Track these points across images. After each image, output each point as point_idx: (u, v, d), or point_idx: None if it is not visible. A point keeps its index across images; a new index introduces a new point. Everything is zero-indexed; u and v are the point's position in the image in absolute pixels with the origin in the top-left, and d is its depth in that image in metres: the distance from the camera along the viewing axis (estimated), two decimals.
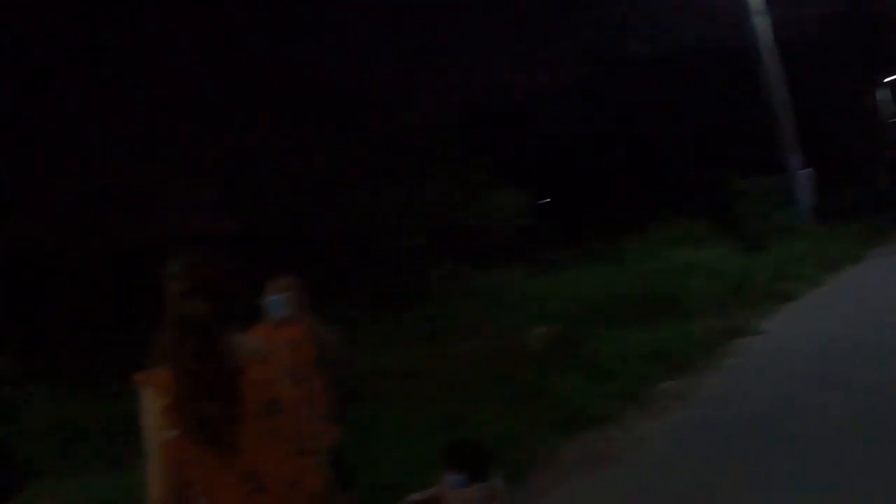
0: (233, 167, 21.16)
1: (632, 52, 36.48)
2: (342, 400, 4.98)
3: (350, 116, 17.99)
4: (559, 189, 28.52)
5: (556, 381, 8.23)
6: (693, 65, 33.15)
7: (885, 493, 4.97)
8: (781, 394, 7.79)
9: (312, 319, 4.95)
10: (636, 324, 10.89)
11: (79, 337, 13.92)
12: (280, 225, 17.92)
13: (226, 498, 2.20)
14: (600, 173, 30.70)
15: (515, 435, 6.89)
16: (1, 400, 10.44)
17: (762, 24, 21.47)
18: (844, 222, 23.24)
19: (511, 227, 16.65)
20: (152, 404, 2.21)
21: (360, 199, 16.39)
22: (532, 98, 35.34)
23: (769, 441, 6.37)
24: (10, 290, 15.23)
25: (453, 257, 15.23)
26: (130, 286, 15.57)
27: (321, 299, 13.78)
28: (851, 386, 7.62)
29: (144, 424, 2.24)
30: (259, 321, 4.78)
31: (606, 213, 24.93)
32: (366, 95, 18.23)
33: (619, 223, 19.70)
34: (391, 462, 6.46)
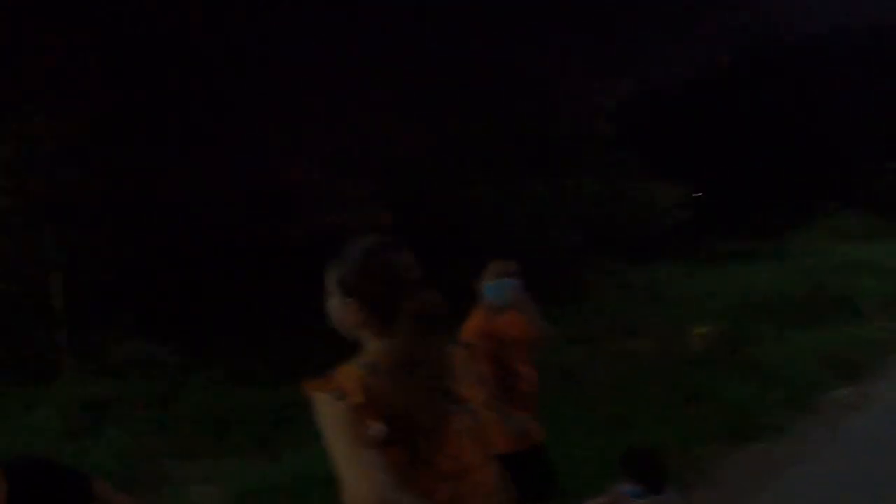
0: (389, 160, 21.46)
1: (787, 36, 35.09)
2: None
3: (505, 108, 17.89)
4: (715, 181, 27.75)
5: (719, 385, 7.99)
6: (852, 45, 31.67)
7: None
8: None
9: (533, 309, 4.72)
10: (803, 325, 10.49)
11: (238, 328, 14.46)
12: (434, 219, 18.07)
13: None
14: (758, 164, 29.67)
15: (677, 441, 6.70)
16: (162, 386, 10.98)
17: None
18: None
19: (667, 222, 16.25)
20: (334, 407, 2.03)
21: (514, 192, 16.31)
22: (685, 88, 34.46)
23: None
24: (175, 282, 15.95)
25: (609, 253, 15.03)
26: (289, 280, 16.03)
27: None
28: None
29: (330, 430, 2.03)
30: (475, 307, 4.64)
31: (766, 207, 24.11)
32: (521, 86, 18.07)
33: (780, 217, 19.04)
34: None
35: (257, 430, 8.75)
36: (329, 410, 2.03)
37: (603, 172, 16.51)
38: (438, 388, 2.11)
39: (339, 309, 2.18)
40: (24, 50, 12.10)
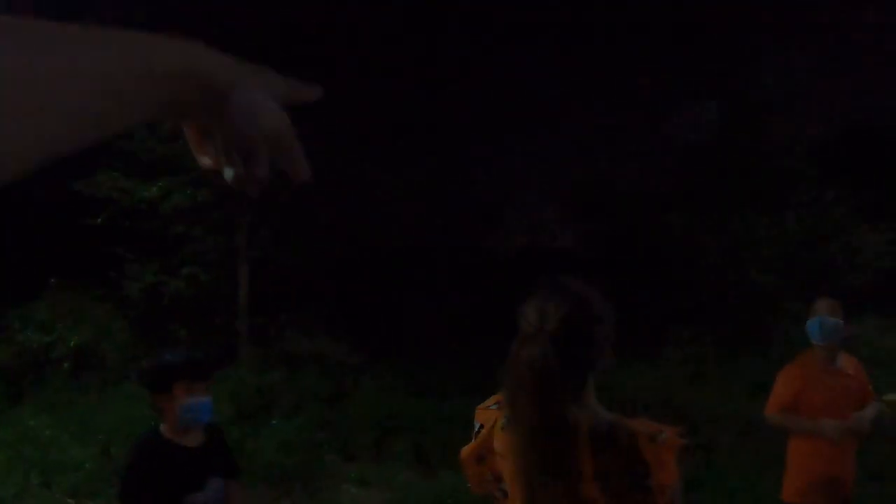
0: (580, 182, 21.27)
1: None
2: None
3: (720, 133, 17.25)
4: None
5: None
6: None
7: None
8: None
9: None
10: None
11: (421, 338, 14.59)
12: (624, 245, 17.66)
13: None
14: None
15: None
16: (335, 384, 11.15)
17: None
18: None
19: (874, 270, 15.12)
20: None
21: (712, 225, 15.68)
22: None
23: None
24: (364, 286, 16.26)
25: (808, 299, 14.10)
26: (479, 296, 16.12)
27: (663, 330, 13.34)
28: None
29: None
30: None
31: None
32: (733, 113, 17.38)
33: None
34: None
35: (418, 439, 8.73)
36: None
37: (807, 212, 15.58)
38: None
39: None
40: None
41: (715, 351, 12.23)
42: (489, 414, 2.08)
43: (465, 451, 2.09)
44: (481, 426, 2.07)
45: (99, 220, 12.16)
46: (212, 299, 13.00)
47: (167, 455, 2.88)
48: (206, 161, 0.69)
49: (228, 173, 0.68)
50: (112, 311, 12.57)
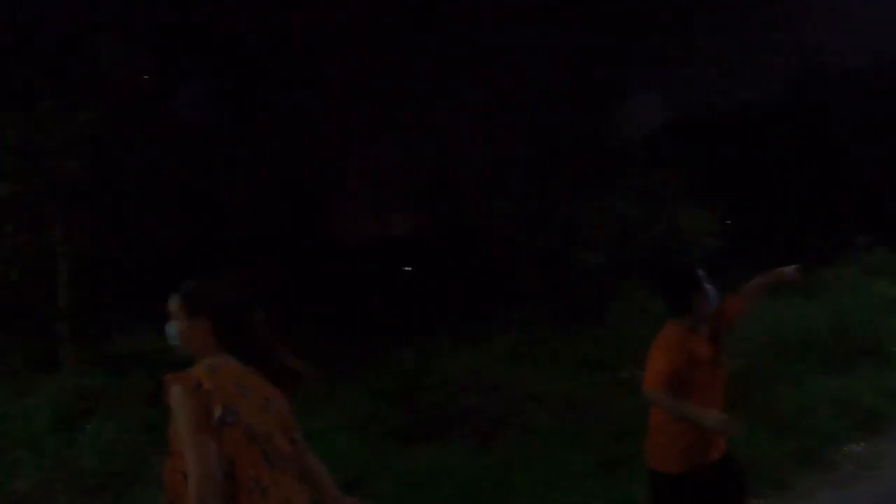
0: (421, 169, 21.30)
1: (829, 68, 34.42)
2: None
3: (551, 121, 17.54)
4: (748, 212, 27.11)
5: None
6: (892, 79, 30.94)
7: None
8: None
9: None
10: (827, 368, 9.90)
11: None
12: (454, 230, 17.77)
13: None
14: (793, 196, 29.03)
15: None
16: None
17: None
18: None
19: (698, 249, 15.67)
20: (187, 397, 2.60)
21: (544, 209, 15.91)
22: (725, 115, 33.95)
23: None
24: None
25: (634, 278, 14.50)
26: (307, 284, 15.88)
27: (491, 309, 13.44)
28: None
29: (182, 415, 2.60)
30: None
31: (799, 239, 23.44)
32: (570, 101, 17.75)
33: (813, 251, 18.37)
34: None
35: None
36: (183, 399, 2.58)
37: (634, 195, 16.02)
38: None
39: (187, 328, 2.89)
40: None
41: (543, 331, 12.38)
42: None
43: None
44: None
45: None
46: (27, 300, 12.26)
47: None
48: None
49: None
50: None
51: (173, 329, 2.98)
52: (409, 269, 20.50)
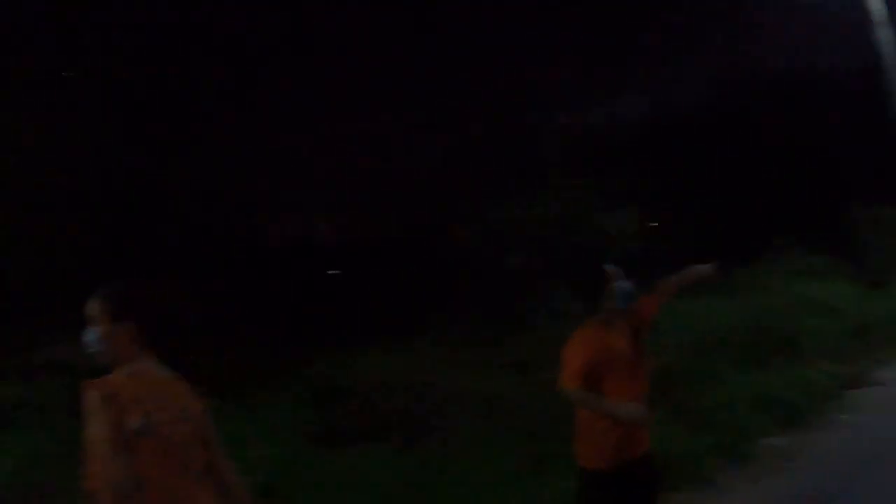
0: (344, 172, 21.13)
1: (755, 73, 35.26)
2: None
3: (479, 124, 17.58)
4: (673, 214, 27.59)
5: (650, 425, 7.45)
6: (816, 87, 31.80)
7: None
8: None
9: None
10: (744, 365, 10.08)
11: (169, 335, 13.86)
12: (385, 235, 17.70)
13: None
14: (715, 198, 29.63)
15: None
16: None
17: (886, 37, 19.98)
18: None
19: (622, 251, 15.87)
20: (99, 402, 2.52)
21: (474, 212, 15.95)
22: (650, 119, 34.53)
23: None
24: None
25: (558, 279, 14.59)
26: (232, 289, 15.65)
27: (418, 313, 13.35)
28: None
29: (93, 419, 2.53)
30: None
31: (721, 242, 23.92)
32: (498, 105, 17.81)
33: (735, 252, 18.77)
34: None
35: None
36: (98, 407, 2.50)
37: (560, 199, 16.15)
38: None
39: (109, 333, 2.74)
40: None
41: (469, 333, 12.37)
42: None
43: None
44: None
45: None
46: None
47: None
48: None
49: None
50: None
51: (93, 335, 2.82)
52: (336, 272, 20.31)
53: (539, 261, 14.90)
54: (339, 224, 21.06)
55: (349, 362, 10.17)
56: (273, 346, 12.37)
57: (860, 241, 20.27)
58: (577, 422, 4.44)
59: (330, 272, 20.83)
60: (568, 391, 4.26)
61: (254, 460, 5.85)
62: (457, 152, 17.16)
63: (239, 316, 13.95)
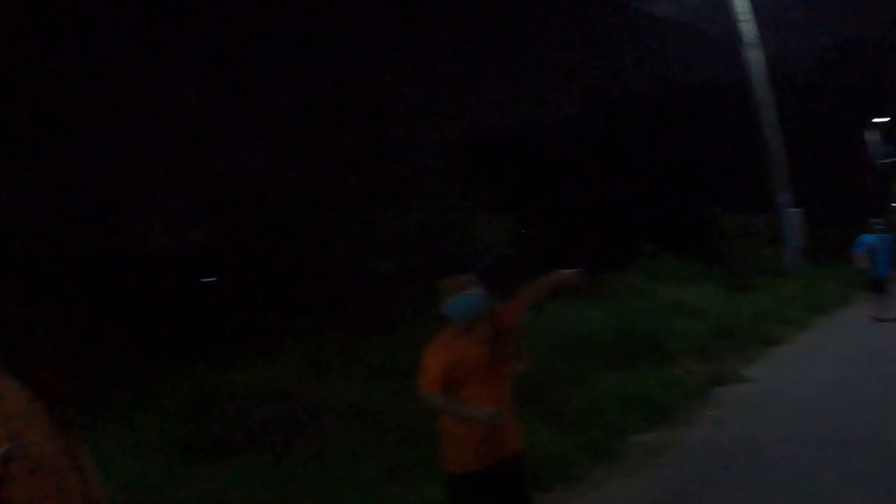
0: (211, 179, 20.62)
1: (627, 87, 36.25)
2: None
3: (345, 133, 17.38)
4: (544, 221, 27.95)
5: (520, 428, 7.36)
6: (687, 100, 32.89)
7: None
8: (766, 452, 7.16)
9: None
10: (614, 366, 10.17)
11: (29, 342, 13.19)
12: (252, 241, 17.27)
13: None
14: (589, 206, 30.23)
15: None
16: None
17: (755, 57, 20.90)
18: (833, 263, 22.78)
19: (493, 257, 15.92)
20: None
21: (340, 220, 15.72)
22: (525, 130, 35.06)
23: None
24: None
25: (431, 286, 14.46)
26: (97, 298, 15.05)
27: (287, 320, 13.01)
28: (845, 444, 7.05)
29: None
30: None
31: (592, 247, 24.34)
32: (364, 114, 17.64)
33: (605, 257, 19.10)
34: None
35: None
36: None
37: (431, 205, 16.09)
38: None
39: None
40: None
41: (339, 340, 12.14)
42: None
43: None
44: None
45: None
46: None
47: None
48: None
49: None
50: None
51: None
52: (205, 280, 19.77)
53: (411, 267, 14.80)
54: (210, 230, 20.49)
55: (220, 372, 9.82)
56: (141, 358, 11.90)
57: (727, 246, 20.92)
58: (440, 426, 4.45)
59: (203, 280, 20.30)
60: (426, 397, 4.30)
61: (123, 478, 5.53)
62: (327, 158, 16.93)
63: (103, 327, 13.36)
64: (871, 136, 42.18)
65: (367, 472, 6.65)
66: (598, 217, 29.32)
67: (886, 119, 42.85)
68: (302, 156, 17.58)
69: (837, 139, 34.69)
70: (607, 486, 6.70)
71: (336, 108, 17.92)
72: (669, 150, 30.90)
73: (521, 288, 4.68)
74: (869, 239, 14.34)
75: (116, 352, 12.05)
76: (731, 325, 13.70)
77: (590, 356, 10.30)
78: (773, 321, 14.82)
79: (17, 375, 2.45)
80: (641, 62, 35.74)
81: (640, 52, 35.40)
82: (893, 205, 38.87)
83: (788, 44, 27.78)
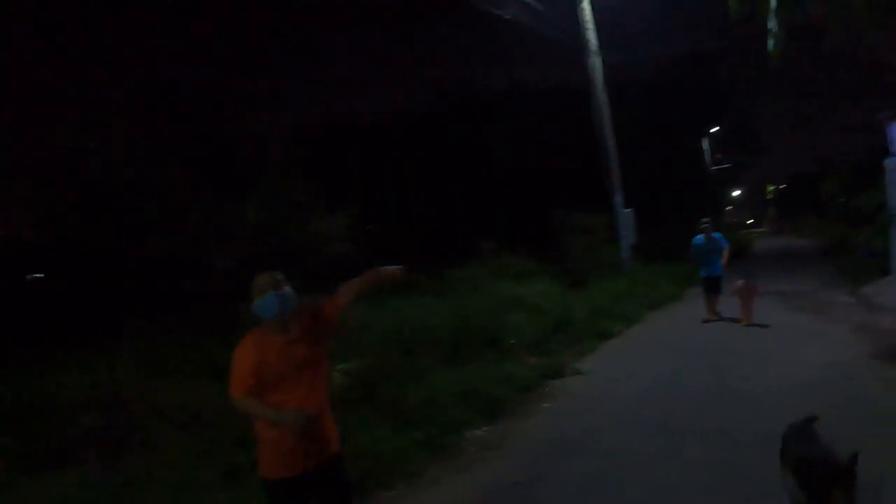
0: (45, 168, 19.51)
1: (474, 87, 36.68)
2: None
3: (186, 122, 16.79)
4: (387, 217, 27.91)
5: (353, 427, 7.15)
6: (533, 101, 33.54)
7: None
8: (600, 442, 7.29)
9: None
10: (452, 362, 10.15)
11: None
12: (88, 233, 16.43)
13: None
14: (432, 203, 30.39)
15: None
16: None
17: (596, 65, 21.44)
18: (666, 261, 23.74)
19: (334, 252, 15.68)
20: None
21: (181, 212, 15.13)
22: (370, 126, 34.96)
23: (589, 499, 5.76)
24: None
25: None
26: None
27: (119, 320, 12.41)
28: (677, 433, 7.23)
29: None
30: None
31: (434, 244, 24.45)
32: (205, 103, 17.09)
33: (446, 254, 19.17)
34: None
35: None
36: None
37: (269, 198, 15.71)
38: None
39: None
40: None
41: (177, 340, 11.66)
42: None
43: None
44: None
45: None
46: None
47: None
48: None
49: None
50: None
51: None
52: (34, 276, 18.69)
53: (251, 262, 14.39)
54: (38, 223, 19.37)
55: (45, 377, 9.19)
56: None
57: (563, 244, 21.37)
58: (255, 431, 4.31)
59: (30, 276, 19.25)
60: (235, 400, 4.18)
61: None
62: (166, 148, 16.32)
63: None
64: (706, 144, 44.93)
65: (201, 476, 6.37)
66: (441, 214, 29.52)
67: (717, 129, 45.76)
68: (139, 145, 16.89)
69: (676, 146, 36.31)
70: (445, 482, 6.63)
71: (177, 96, 17.36)
72: (513, 150, 31.40)
73: (340, 286, 4.61)
74: (699, 240, 14.59)
75: None
76: (566, 320, 13.93)
77: (427, 352, 10.23)
78: (607, 316, 15.17)
79: None
80: (490, 63, 36.55)
81: (489, 54, 36.14)
82: (727, 208, 41.34)
83: (634, 53, 28.74)
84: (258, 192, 15.65)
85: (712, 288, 14.66)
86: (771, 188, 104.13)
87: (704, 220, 14.98)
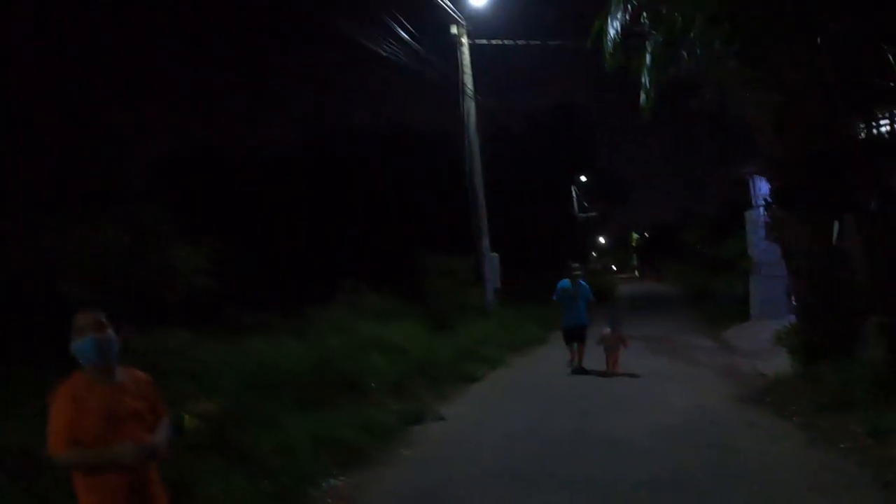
0: None
1: (346, 124, 36.50)
2: None
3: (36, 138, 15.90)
4: (258, 252, 27.25)
5: (200, 476, 6.60)
6: (405, 142, 33.58)
7: None
8: (460, 490, 7.08)
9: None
10: (308, 405, 9.67)
11: None
12: None
13: None
14: (295, 239, 29.86)
15: None
16: None
17: (470, 108, 21.55)
18: (533, 304, 23.90)
19: (187, 286, 14.98)
20: None
21: (21, 235, 14.21)
22: (238, 159, 34.29)
23: None
24: None
25: (121, 316, 13.26)
26: None
27: None
28: (537, 479, 7.10)
29: None
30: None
31: (296, 283, 23.90)
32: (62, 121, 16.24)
33: (307, 293, 18.69)
34: None
35: None
36: None
37: (124, 225, 14.93)
38: None
39: None
40: None
41: (16, 375, 10.85)
42: None
43: None
44: None
45: None
46: None
47: None
48: None
49: None
50: None
51: None
52: None
53: (105, 293, 13.59)
54: None
55: None
56: None
57: (428, 286, 21.21)
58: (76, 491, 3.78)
59: None
60: (55, 460, 3.70)
61: None
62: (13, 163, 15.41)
63: None
64: (574, 192, 46.43)
65: None
66: (307, 251, 29.00)
67: (585, 179, 47.45)
68: None
69: (546, 192, 37.02)
70: None
71: (30, 109, 16.51)
72: (382, 190, 31.25)
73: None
74: (565, 283, 14.36)
75: None
76: (429, 363, 13.70)
77: (282, 395, 9.72)
78: (470, 359, 15.05)
79: None
80: (367, 102, 36.55)
81: (366, 92, 36.14)
82: (593, 254, 42.66)
83: (510, 100, 29.41)
84: (113, 215, 14.93)
85: (578, 337, 14.28)
86: (636, 236, 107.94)
87: (575, 265, 14.96)
